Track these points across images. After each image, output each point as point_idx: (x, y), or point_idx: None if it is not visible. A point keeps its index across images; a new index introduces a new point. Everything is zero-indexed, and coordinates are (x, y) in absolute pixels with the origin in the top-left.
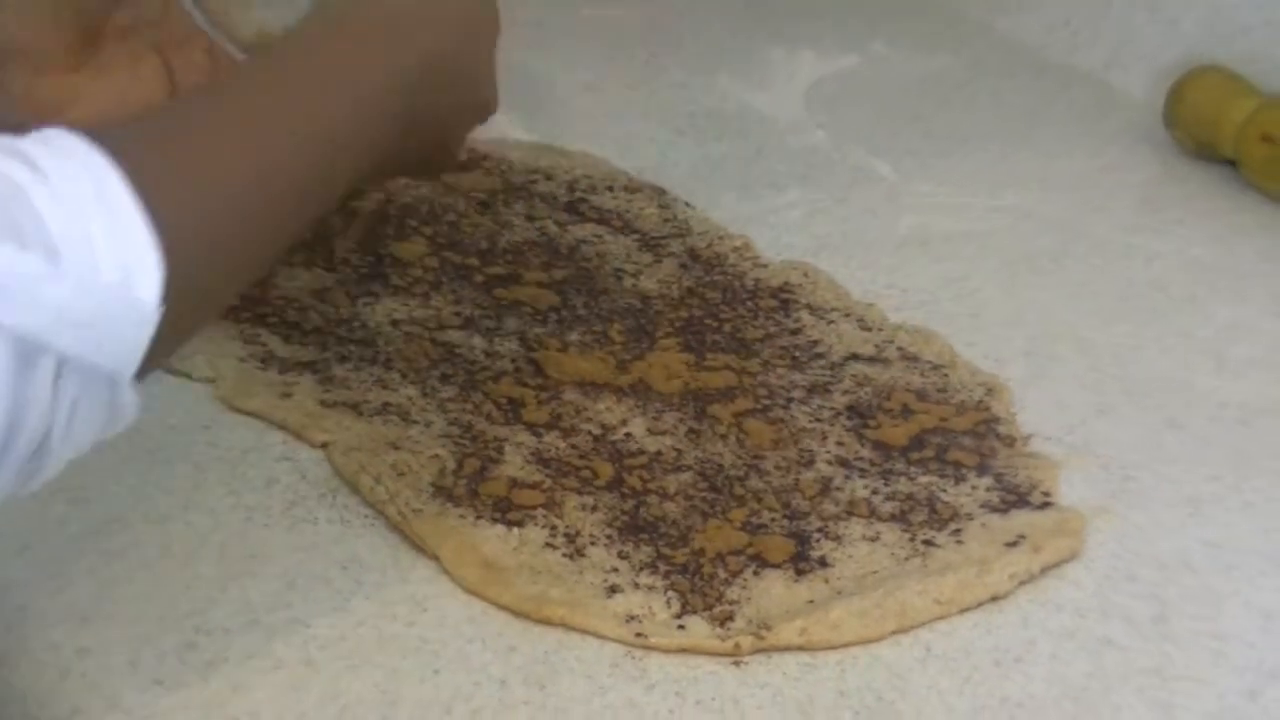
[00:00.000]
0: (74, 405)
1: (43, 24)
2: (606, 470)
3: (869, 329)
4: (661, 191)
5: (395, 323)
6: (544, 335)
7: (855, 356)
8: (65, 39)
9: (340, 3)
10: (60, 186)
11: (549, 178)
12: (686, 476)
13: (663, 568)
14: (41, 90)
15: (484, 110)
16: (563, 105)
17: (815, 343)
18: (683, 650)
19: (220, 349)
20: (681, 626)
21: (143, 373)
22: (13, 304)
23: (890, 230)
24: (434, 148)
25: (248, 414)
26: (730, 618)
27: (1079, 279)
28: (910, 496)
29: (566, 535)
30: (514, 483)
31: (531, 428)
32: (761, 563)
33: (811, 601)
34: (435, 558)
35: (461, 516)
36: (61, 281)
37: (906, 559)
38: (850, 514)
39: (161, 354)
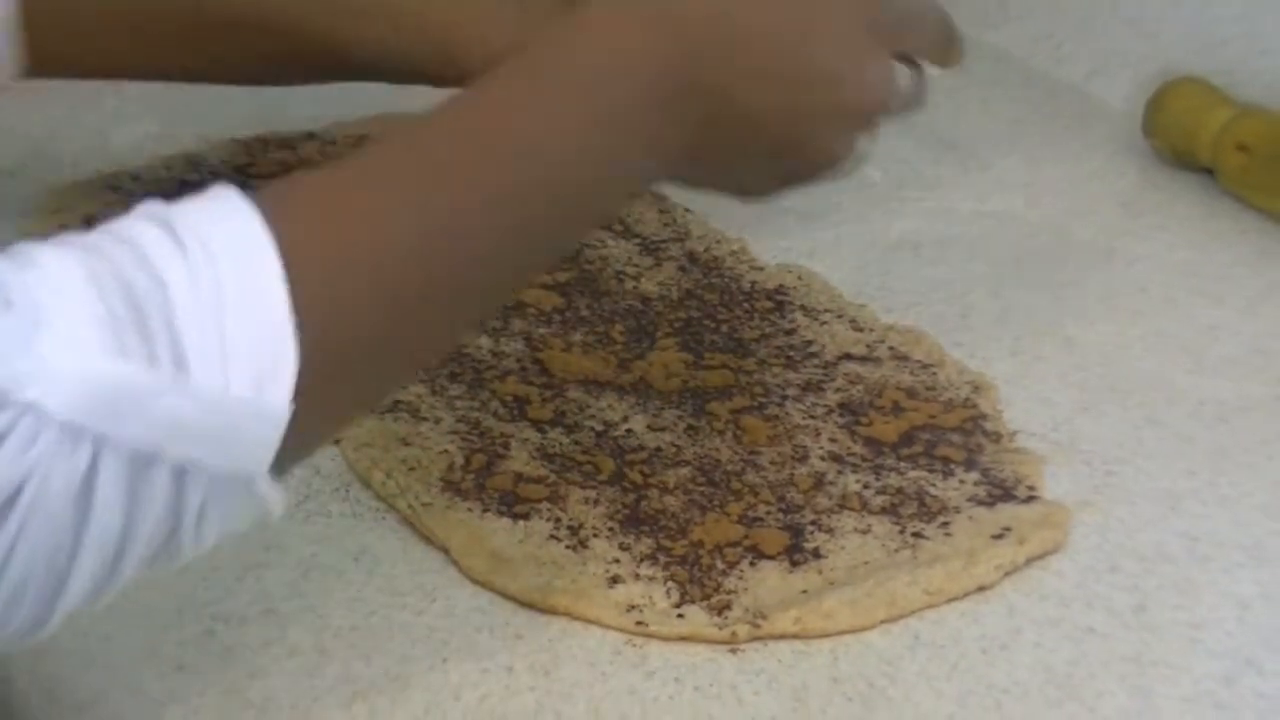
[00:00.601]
0: (202, 507)
1: None
2: (608, 465)
3: (861, 329)
4: (661, 197)
5: None
6: (548, 335)
7: (848, 356)
8: None
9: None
10: (199, 275)
11: None
12: (685, 471)
13: (662, 559)
14: None
15: (845, 88)
16: None
17: (809, 343)
18: (681, 639)
19: None
20: (680, 616)
21: (283, 467)
22: (126, 419)
23: (882, 234)
24: (782, 152)
25: None
26: (727, 607)
27: (1063, 281)
28: (900, 491)
29: (570, 528)
30: (520, 477)
31: (536, 424)
32: (757, 554)
33: (805, 591)
34: (444, 549)
35: (469, 510)
36: (183, 395)
37: (896, 551)
38: (842, 507)
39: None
